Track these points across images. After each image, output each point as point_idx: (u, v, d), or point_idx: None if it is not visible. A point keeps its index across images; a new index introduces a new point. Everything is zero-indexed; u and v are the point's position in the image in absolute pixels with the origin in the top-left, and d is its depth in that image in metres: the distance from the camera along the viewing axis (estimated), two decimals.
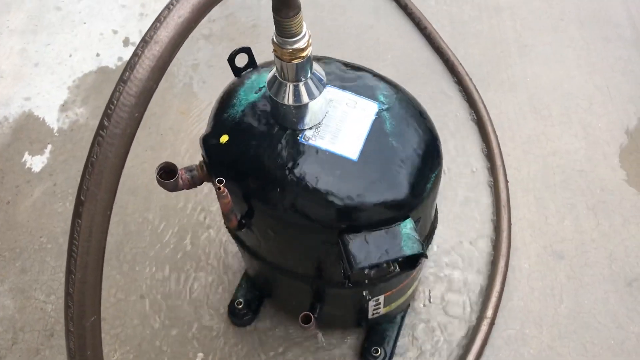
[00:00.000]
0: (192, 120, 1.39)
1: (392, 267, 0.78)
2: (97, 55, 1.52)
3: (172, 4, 0.48)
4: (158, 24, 0.48)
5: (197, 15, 0.49)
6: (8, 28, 1.58)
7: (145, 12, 1.60)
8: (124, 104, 0.47)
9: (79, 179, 1.31)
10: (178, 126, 1.39)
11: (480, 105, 1.34)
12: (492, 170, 1.27)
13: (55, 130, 1.40)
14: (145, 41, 0.47)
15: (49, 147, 1.38)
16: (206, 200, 1.27)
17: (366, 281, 0.85)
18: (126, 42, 1.54)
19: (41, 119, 1.42)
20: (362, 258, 0.73)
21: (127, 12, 1.60)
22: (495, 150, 1.28)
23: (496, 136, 1.30)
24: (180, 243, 1.23)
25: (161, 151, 1.34)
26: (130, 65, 0.47)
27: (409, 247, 0.74)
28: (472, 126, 1.34)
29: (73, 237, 0.48)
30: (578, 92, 1.39)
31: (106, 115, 0.47)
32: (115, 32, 1.56)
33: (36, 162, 1.35)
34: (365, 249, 0.74)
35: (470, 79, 1.38)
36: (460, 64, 1.41)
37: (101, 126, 0.47)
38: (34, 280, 1.21)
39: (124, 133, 0.47)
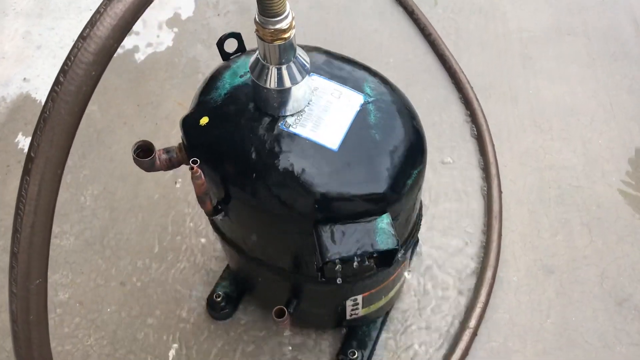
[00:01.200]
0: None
1: (366, 262, 0.76)
2: None
3: None
4: None
5: None
6: (14, 10, 1.59)
7: None
8: (81, 61, 0.46)
9: (70, 163, 1.30)
10: (174, 116, 1.38)
11: (480, 115, 1.32)
12: (487, 180, 1.24)
13: None
14: None
15: None
16: (193, 192, 1.25)
17: (339, 279, 0.83)
18: None
19: (38, 101, 1.42)
20: (334, 250, 0.71)
21: None
22: (492, 160, 1.26)
23: (493, 146, 1.28)
24: (164, 233, 1.21)
25: (155, 140, 1.31)
26: (91, 22, 0.46)
27: (384, 242, 0.72)
28: (469, 135, 1.32)
29: (21, 194, 0.47)
30: (580, 107, 1.36)
31: (62, 71, 0.46)
32: None
33: (29, 143, 1.35)
34: (339, 241, 0.72)
35: (472, 88, 1.37)
36: (462, 72, 1.39)
37: (57, 82, 0.46)
38: None
39: (79, 90, 0.46)
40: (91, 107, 1.37)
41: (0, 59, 1.50)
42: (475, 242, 1.18)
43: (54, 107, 0.45)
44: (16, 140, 1.36)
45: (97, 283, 1.16)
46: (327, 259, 0.71)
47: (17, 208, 0.47)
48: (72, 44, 1.46)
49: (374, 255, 0.74)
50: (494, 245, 1.16)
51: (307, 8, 1.52)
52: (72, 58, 0.45)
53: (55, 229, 1.23)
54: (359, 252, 0.72)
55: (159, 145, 0.75)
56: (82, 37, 0.46)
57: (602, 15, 1.52)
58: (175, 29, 1.54)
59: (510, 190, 1.25)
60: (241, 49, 0.85)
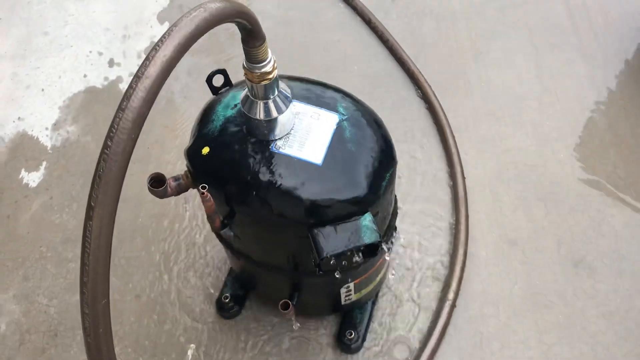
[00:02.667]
0: (176, 134, 1.51)
1: (355, 256, 0.90)
2: (85, 76, 1.63)
3: (158, 46, 0.60)
4: (147, 62, 0.60)
5: (178, 54, 0.61)
6: None
7: (128, 33, 1.71)
8: (123, 128, 0.58)
9: (73, 192, 1.42)
10: (163, 140, 1.50)
11: (439, 110, 1.47)
12: (451, 168, 1.40)
13: (49, 148, 1.51)
14: (137, 76, 0.59)
15: (44, 163, 1.48)
16: (192, 208, 1.38)
17: (335, 269, 0.97)
18: (111, 62, 1.66)
19: (35, 138, 1.53)
20: (328, 248, 0.85)
21: (110, 35, 1.71)
22: (453, 150, 1.41)
23: (454, 137, 1.43)
24: (170, 246, 1.34)
25: (148, 163, 1.46)
26: (127, 96, 0.59)
27: (368, 237, 0.86)
28: (431, 129, 1.47)
29: (85, 236, 0.60)
30: (528, 94, 1.52)
31: (109, 137, 0.59)
32: (100, 53, 1.67)
33: (33, 178, 1.46)
34: (331, 239, 0.86)
35: (430, 86, 1.52)
36: (420, 72, 1.54)
37: (105, 146, 0.59)
38: (36, 287, 1.31)
39: (124, 151, 0.59)
40: (85, 139, 1.50)
41: None
42: (446, 225, 1.34)
43: (106, 166, 0.58)
44: (20, 177, 1.47)
45: (115, 298, 1.28)
46: (323, 256, 0.85)
47: (84, 246, 0.60)
48: (58, 80, 1.58)
49: (361, 248, 0.88)
50: (462, 226, 1.31)
51: (273, 25, 1.65)
52: (116, 126, 0.58)
53: (68, 254, 1.35)
54: (349, 247, 0.86)
55: (153, 168, 0.87)
56: (120, 108, 0.59)
57: (540, 7, 1.68)
58: None
59: (473, 175, 1.40)
60: (227, 83, 0.98)
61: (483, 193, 1.38)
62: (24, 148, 1.52)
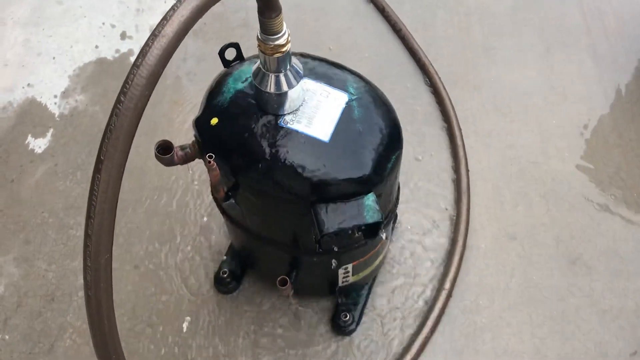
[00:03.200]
0: (184, 109, 1.52)
1: (356, 235, 0.91)
2: (96, 47, 1.64)
3: (176, 6, 0.61)
4: (165, 22, 0.60)
5: (195, 15, 0.62)
6: (12, 20, 1.69)
7: (142, 7, 1.72)
8: (136, 84, 0.59)
9: (79, 161, 1.43)
10: (171, 114, 1.51)
11: (447, 102, 1.47)
12: (455, 160, 1.40)
13: (56, 115, 1.52)
14: (154, 35, 0.60)
15: (51, 130, 1.49)
16: (195, 181, 1.39)
17: (335, 248, 0.98)
18: (123, 35, 1.66)
19: (43, 105, 1.54)
20: (330, 224, 0.86)
21: (124, 7, 1.72)
22: (459, 143, 1.42)
23: (460, 130, 1.44)
24: (171, 218, 1.35)
25: (154, 137, 1.46)
26: (142, 53, 0.60)
27: (370, 216, 0.87)
28: (439, 121, 1.47)
29: (93, 189, 0.60)
30: (536, 91, 1.53)
31: (122, 92, 0.59)
32: (113, 26, 1.68)
33: (39, 144, 1.47)
34: (333, 217, 0.87)
35: (439, 78, 1.52)
36: (431, 64, 1.55)
37: (118, 101, 0.59)
38: (37, 251, 1.32)
39: (136, 107, 0.59)
40: (94, 108, 1.51)
41: (3, 66, 1.61)
42: (447, 215, 1.34)
43: (117, 121, 0.59)
44: (26, 142, 1.48)
45: (113, 267, 1.28)
46: (324, 233, 0.86)
47: (90, 199, 0.61)
48: (69, 50, 1.59)
49: (362, 228, 0.89)
50: (463, 217, 1.32)
51: (286, 10, 1.64)
52: (130, 82, 0.59)
53: (70, 221, 1.36)
54: (350, 225, 0.86)
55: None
56: (136, 65, 0.59)
57: (554, 7, 1.68)
58: None
59: (477, 169, 1.41)
60: (239, 57, 0.99)
61: (485, 187, 1.39)
62: (32, 114, 1.52)
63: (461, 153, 1.40)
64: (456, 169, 1.39)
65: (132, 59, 1.62)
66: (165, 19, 0.61)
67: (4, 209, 1.38)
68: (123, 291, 1.27)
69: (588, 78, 1.55)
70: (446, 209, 1.35)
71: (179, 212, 1.36)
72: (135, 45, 1.64)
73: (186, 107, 1.52)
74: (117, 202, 0.62)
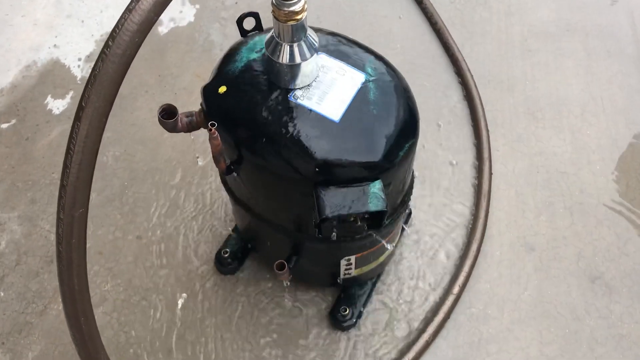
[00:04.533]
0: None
1: (358, 223, 0.86)
2: None
3: None
4: None
5: None
6: None
7: None
8: (127, 29, 0.55)
9: None
10: (192, 87, 1.48)
11: (477, 101, 1.41)
12: (479, 161, 1.34)
13: (78, 79, 1.50)
14: None
15: (71, 93, 1.48)
16: (208, 157, 1.36)
17: (334, 236, 0.93)
18: None
19: (67, 67, 1.52)
20: (331, 208, 0.81)
21: None
22: (485, 144, 1.35)
23: (487, 131, 1.37)
24: (179, 193, 1.32)
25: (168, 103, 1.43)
26: None
27: (374, 204, 0.82)
28: (466, 119, 1.41)
29: (72, 137, 0.57)
30: (573, 99, 1.45)
31: (111, 36, 0.56)
32: None
33: (57, 105, 1.46)
34: (335, 201, 0.82)
35: (472, 76, 1.46)
36: (464, 60, 1.48)
37: (106, 45, 0.56)
38: (42, 211, 1.30)
39: (124, 53, 0.55)
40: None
41: (33, 25, 1.60)
42: (464, 217, 1.28)
43: (102, 67, 0.55)
44: (45, 102, 1.46)
45: (116, 236, 1.27)
46: (324, 216, 0.81)
47: (68, 148, 0.57)
48: (99, 14, 1.57)
49: (366, 216, 0.84)
50: (480, 221, 1.25)
51: None
52: (120, 26, 0.55)
53: None
54: (352, 211, 0.81)
55: None
56: (128, 9, 0.55)
57: (601, 13, 1.60)
58: (197, 6, 1.63)
59: (501, 173, 1.34)
60: (258, 27, 0.94)
61: (508, 192, 1.32)
62: (54, 75, 1.51)
63: (486, 154, 1.34)
64: (479, 170, 1.33)
65: (161, 29, 1.59)
66: None
67: (15, 167, 1.37)
68: (123, 261, 1.24)
69: (631, 90, 1.46)
70: (464, 211, 1.29)
71: (189, 187, 1.33)
72: (164, 16, 1.61)
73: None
74: (96, 153, 0.59)
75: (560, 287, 1.21)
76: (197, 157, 1.35)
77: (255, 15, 0.93)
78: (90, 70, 1.47)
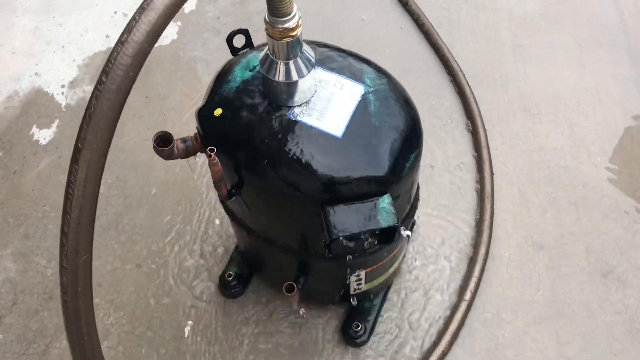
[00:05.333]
0: (195, 102, 1.45)
1: (369, 240, 0.83)
2: (107, 36, 1.58)
3: None
4: None
5: None
6: (22, 7, 1.64)
7: None
8: (120, 63, 0.52)
9: None
10: (181, 107, 1.45)
11: (472, 101, 1.39)
12: (479, 162, 1.31)
13: (63, 106, 1.46)
14: (142, 8, 0.53)
15: (57, 121, 1.43)
16: (203, 179, 1.32)
17: (346, 254, 0.90)
18: None
19: (50, 94, 1.48)
20: (341, 228, 0.78)
21: None
22: (483, 144, 1.33)
23: (485, 130, 1.35)
24: (176, 217, 1.28)
25: (163, 130, 1.39)
26: (128, 28, 0.53)
27: (385, 220, 0.79)
28: (462, 120, 1.39)
29: (70, 181, 0.53)
30: (567, 92, 1.43)
31: (104, 72, 0.52)
32: (125, 14, 1.62)
33: (44, 135, 1.41)
34: (345, 219, 0.79)
35: (464, 75, 1.43)
36: (455, 60, 1.46)
37: (99, 82, 0.52)
38: (36, 246, 1.26)
39: (119, 89, 0.52)
40: None
41: (11, 54, 1.56)
42: (469, 221, 1.26)
43: (97, 104, 0.52)
44: (31, 132, 1.42)
45: (115, 266, 1.23)
46: (335, 237, 0.78)
47: (67, 192, 0.54)
48: (79, 38, 1.53)
49: (376, 232, 0.81)
50: (486, 223, 1.23)
51: (304, 0, 1.58)
52: (113, 61, 0.52)
53: None
54: (363, 229, 0.79)
55: None
56: (120, 42, 0.52)
57: (588, 3, 1.58)
58: (179, 23, 1.60)
59: (502, 172, 1.32)
60: (249, 44, 0.92)
61: (511, 191, 1.30)
62: (38, 104, 1.47)
63: (485, 155, 1.32)
64: (479, 171, 1.31)
65: None
66: None
67: (4, 202, 1.32)
68: (124, 292, 1.20)
69: (625, 79, 1.45)
70: (468, 214, 1.27)
71: (185, 210, 1.29)
72: None
73: (197, 99, 1.45)
74: (97, 196, 0.55)
75: (572, 284, 1.19)
76: (194, 174, 1.32)
77: (245, 32, 0.90)
78: (74, 97, 1.44)
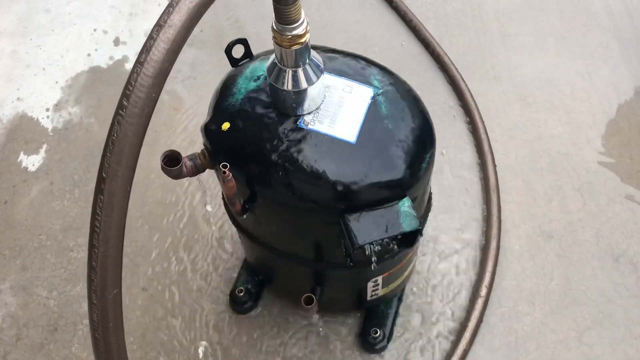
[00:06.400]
0: (184, 115, 1.42)
1: (391, 245, 0.81)
2: (89, 55, 1.54)
3: None
4: (171, 9, 0.51)
5: (207, 1, 0.52)
6: None
7: (134, 11, 1.62)
8: (141, 85, 0.49)
9: (75, 177, 1.33)
10: (171, 122, 1.41)
11: (467, 94, 1.37)
12: (480, 156, 1.30)
13: (49, 130, 1.42)
14: (159, 25, 0.50)
15: (44, 146, 1.39)
16: (202, 193, 1.29)
17: (373, 260, 0.87)
18: (117, 41, 1.56)
19: (35, 119, 1.44)
20: (363, 236, 0.76)
21: (116, 12, 1.62)
22: (483, 137, 1.32)
23: (483, 123, 1.34)
24: (178, 235, 1.25)
25: (156, 146, 1.36)
26: (147, 47, 0.50)
27: (408, 224, 0.77)
28: (459, 114, 1.38)
29: (95, 212, 0.50)
30: (560, 78, 1.43)
31: (125, 95, 0.49)
32: (105, 32, 1.58)
33: (32, 162, 1.37)
34: (366, 227, 0.77)
35: (456, 69, 1.42)
36: (446, 54, 1.45)
37: (120, 106, 0.49)
38: (35, 277, 1.22)
39: (142, 112, 0.50)
40: (89, 120, 1.40)
41: None
42: (477, 216, 1.24)
43: (120, 130, 0.49)
44: (19, 160, 1.37)
45: None
46: (358, 245, 0.75)
47: (93, 225, 0.51)
48: (60, 59, 1.48)
49: (399, 237, 0.79)
50: (494, 217, 1.22)
51: None
52: (133, 83, 0.49)
53: (69, 242, 1.26)
54: (386, 235, 0.76)
55: (162, 152, 0.78)
56: (139, 62, 0.49)
57: None
58: None
59: (504, 164, 1.31)
60: (248, 54, 0.89)
61: (515, 182, 1.29)
62: (23, 130, 1.42)
63: (486, 147, 1.31)
64: (482, 165, 1.29)
65: (128, 65, 1.52)
66: (171, 5, 0.51)
67: None
68: (132, 317, 1.16)
69: (615, 61, 1.45)
70: (475, 209, 1.25)
71: (186, 228, 1.26)
72: (129, 51, 1.54)
73: (186, 113, 1.42)
74: (124, 227, 0.52)
75: (585, 271, 1.18)
76: (203, 187, 1.29)
77: (244, 41, 0.87)
78: (60, 119, 1.39)
